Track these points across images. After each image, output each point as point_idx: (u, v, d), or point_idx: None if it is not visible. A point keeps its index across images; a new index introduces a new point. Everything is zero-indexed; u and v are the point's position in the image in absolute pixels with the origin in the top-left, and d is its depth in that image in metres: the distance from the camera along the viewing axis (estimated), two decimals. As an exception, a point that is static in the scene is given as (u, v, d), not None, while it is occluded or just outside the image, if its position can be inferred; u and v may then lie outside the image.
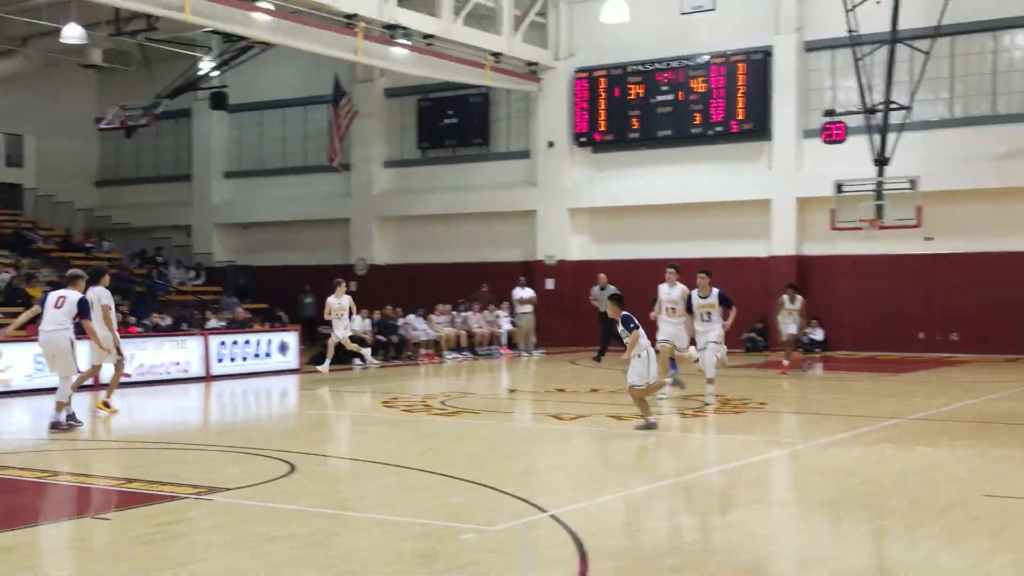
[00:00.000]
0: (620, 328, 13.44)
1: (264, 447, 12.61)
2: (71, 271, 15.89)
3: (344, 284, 23.87)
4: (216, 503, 9.42)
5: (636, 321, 13.43)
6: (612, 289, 25.27)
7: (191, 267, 34.48)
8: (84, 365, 16.34)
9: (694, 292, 17.00)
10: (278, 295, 32.80)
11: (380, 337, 27.72)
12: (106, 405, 16.20)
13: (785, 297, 22.36)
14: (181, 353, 23.46)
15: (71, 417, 14.67)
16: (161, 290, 30.45)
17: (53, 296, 14.88)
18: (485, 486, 9.93)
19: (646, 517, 8.87)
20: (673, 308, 16.73)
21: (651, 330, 15.86)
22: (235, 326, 26.90)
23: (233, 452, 12.40)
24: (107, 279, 16.18)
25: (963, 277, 26.77)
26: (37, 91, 36.70)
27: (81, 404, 16.61)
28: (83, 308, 14.57)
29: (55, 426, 14.28)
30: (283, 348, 25.94)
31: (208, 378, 23.39)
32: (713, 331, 16.60)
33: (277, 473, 10.92)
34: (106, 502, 9.78)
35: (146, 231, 37.40)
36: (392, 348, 28.00)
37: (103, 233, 36.13)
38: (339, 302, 22.77)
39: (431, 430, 14.48)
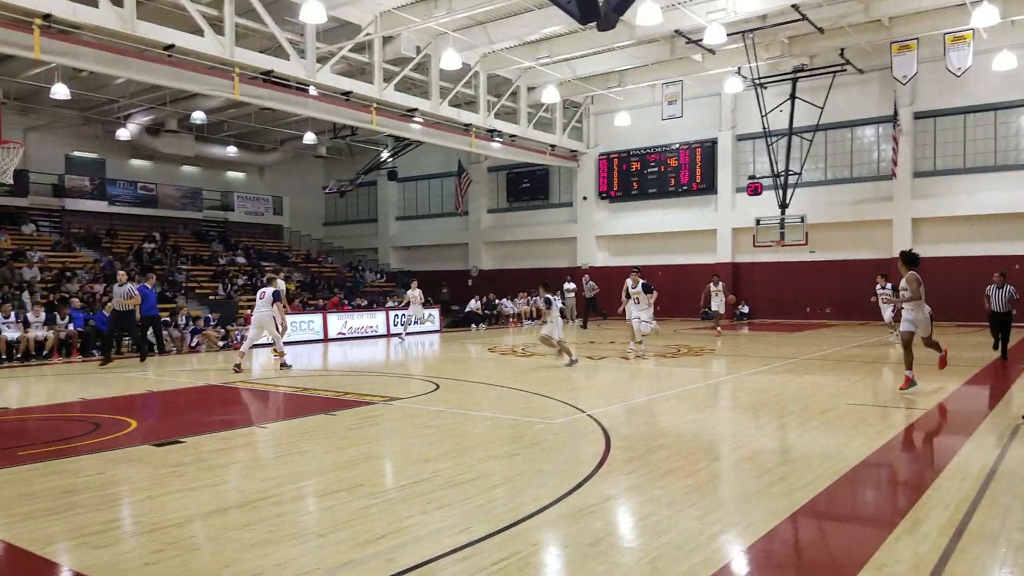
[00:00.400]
0: (542, 303, 14.25)
1: (421, 374, 12.95)
2: (268, 275, 16.00)
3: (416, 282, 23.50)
4: (394, 406, 9.79)
5: (552, 300, 14.31)
6: (592, 286, 26.64)
7: (377, 272, 35.04)
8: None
9: (628, 282, 16.12)
10: (427, 288, 33.22)
11: (486, 311, 28.04)
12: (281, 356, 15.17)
13: (711, 284, 21.32)
14: (372, 321, 24.01)
15: (284, 365, 14.67)
16: (361, 284, 31.02)
17: (260, 292, 14.78)
18: (548, 397, 10.19)
19: (643, 416, 9.07)
20: (637, 298, 15.82)
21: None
22: (403, 305, 27.39)
23: (403, 377, 12.75)
24: (275, 282, 15.25)
25: (833, 273, 26.68)
26: (290, 172, 37.51)
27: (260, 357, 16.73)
28: (276, 296, 14.41)
29: (284, 366, 14.54)
30: (431, 318, 26.40)
31: (388, 336, 23.89)
32: (643, 310, 15.84)
33: (429, 389, 11.24)
34: (332, 405, 10.00)
35: (351, 251, 38.00)
36: (492, 318, 28.33)
37: (328, 253, 36.85)
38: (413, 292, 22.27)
39: (516, 365, 14.58)
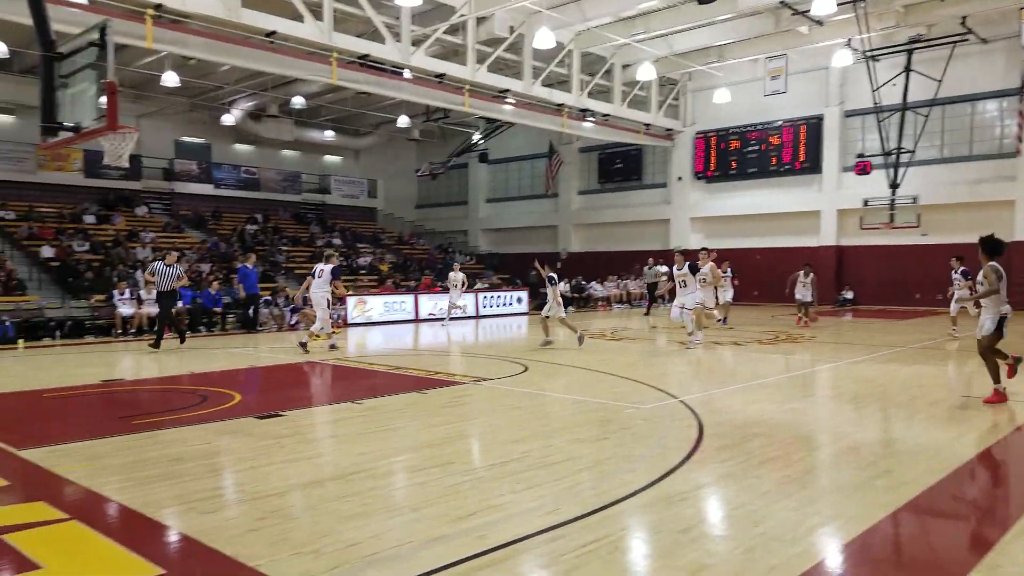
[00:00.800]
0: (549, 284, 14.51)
1: (510, 356, 13.05)
2: (326, 252, 15.41)
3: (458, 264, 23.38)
4: (484, 387, 9.91)
5: (554, 279, 14.92)
6: (662, 267, 25.15)
7: (467, 253, 35.44)
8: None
9: (674, 268, 14.92)
10: (516, 269, 33.46)
11: (574, 294, 27.96)
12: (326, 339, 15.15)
13: (800, 273, 19.32)
14: (462, 302, 24.26)
15: (333, 346, 14.60)
16: (452, 266, 31.44)
17: (317, 269, 14.45)
18: (638, 381, 10.11)
19: (738, 403, 8.88)
20: (684, 281, 14.32)
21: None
22: (492, 287, 27.64)
23: (493, 359, 12.87)
24: (333, 260, 14.81)
25: (946, 258, 25.04)
26: (384, 154, 38.26)
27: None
28: (335, 274, 14.24)
29: (332, 347, 14.39)
30: (519, 300, 26.53)
31: (477, 316, 24.14)
32: (689, 295, 14.30)
33: (517, 371, 11.33)
34: (424, 384, 10.19)
35: (442, 233, 38.55)
36: (581, 301, 28.23)
37: (420, 235, 37.50)
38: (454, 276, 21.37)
39: (605, 348, 14.50)
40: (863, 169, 25.34)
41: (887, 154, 24.70)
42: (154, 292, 15.33)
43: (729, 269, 18.90)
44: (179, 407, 8.74)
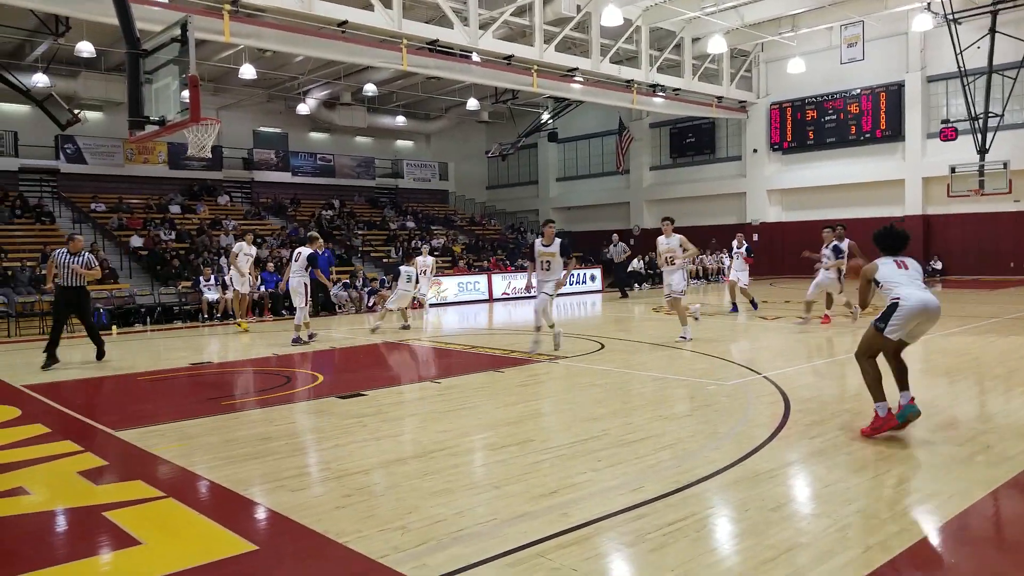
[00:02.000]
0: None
1: (586, 333, 12.94)
2: (310, 233, 14.32)
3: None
4: (560, 365, 9.86)
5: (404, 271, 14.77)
6: (623, 248, 23.38)
7: (538, 233, 35.30)
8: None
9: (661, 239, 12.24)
10: (588, 247, 33.24)
11: (648, 271, 27.58)
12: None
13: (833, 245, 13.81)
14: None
15: (311, 336, 13.07)
16: (523, 246, 31.37)
17: (295, 253, 13.26)
18: (720, 358, 9.89)
19: (826, 379, 8.60)
20: (670, 257, 11.84)
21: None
22: (564, 265, 27.47)
23: (569, 336, 12.76)
24: (315, 244, 13.35)
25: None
26: (455, 137, 38.42)
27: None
28: (311, 261, 12.76)
29: (296, 342, 12.66)
30: (593, 278, 26.33)
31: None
32: (675, 272, 11.83)
33: (594, 348, 11.24)
34: (500, 363, 10.19)
35: (512, 213, 38.52)
36: (655, 278, 27.79)
37: (491, 216, 37.57)
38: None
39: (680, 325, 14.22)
40: (948, 136, 24.25)
41: (974, 119, 23.50)
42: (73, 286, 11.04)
43: (745, 243, 16.26)
44: (265, 388, 8.94)
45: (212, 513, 4.47)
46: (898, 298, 5.57)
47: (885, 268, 5.79)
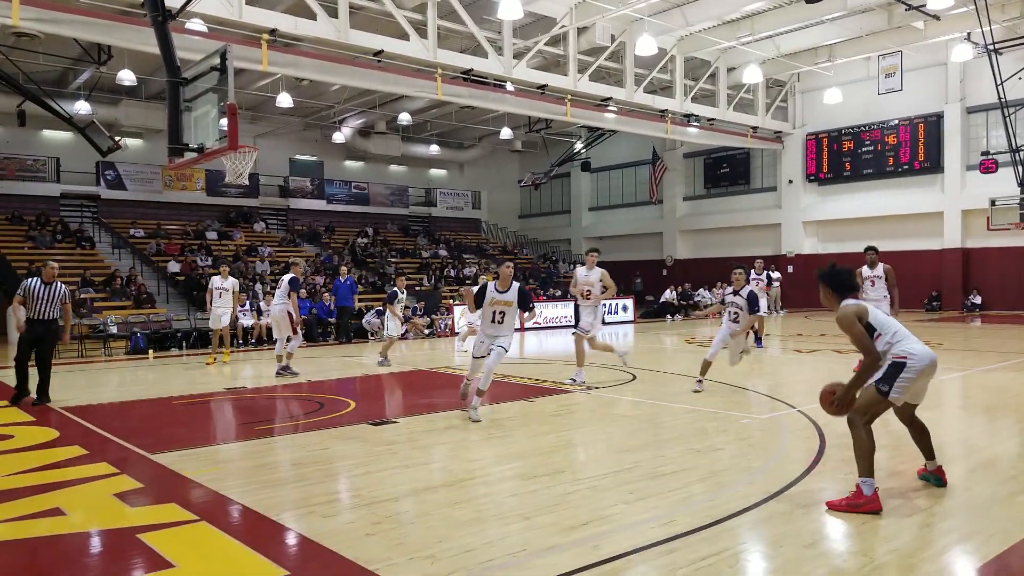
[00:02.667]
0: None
1: (617, 364, 12.83)
2: (292, 260, 14.32)
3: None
4: (592, 395, 9.81)
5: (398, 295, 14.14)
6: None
7: (570, 263, 35.38)
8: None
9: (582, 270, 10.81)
10: (620, 277, 33.12)
11: (681, 302, 27.43)
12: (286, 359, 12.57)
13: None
14: (565, 311, 24.21)
15: (285, 368, 12.34)
16: (555, 275, 31.46)
17: (279, 280, 13.05)
18: (753, 391, 9.80)
19: (858, 412, 8.45)
20: (585, 291, 10.55)
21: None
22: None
23: (601, 367, 12.71)
24: (296, 269, 13.05)
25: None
26: (488, 166, 38.78)
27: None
28: (293, 285, 12.43)
29: (281, 372, 12.28)
30: (625, 308, 26.25)
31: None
32: (590, 311, 10.66)
33: (626, 379, 11.16)
34: (531, 392, 10.21)
35: (545, 243, 38.64)
36: (686, 309, 27.65)
37: (523, 245, 37.72)
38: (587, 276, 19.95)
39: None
40: (988, 168, 23.94)
41: (1015, 151, 23.15)
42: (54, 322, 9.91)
43: (765, 272, 15.66)
44: (298, 414, 9.03)
45: (244, 537, 4.53)
46: (906, 355, 4.87)
47: (877, 313, 5.08)
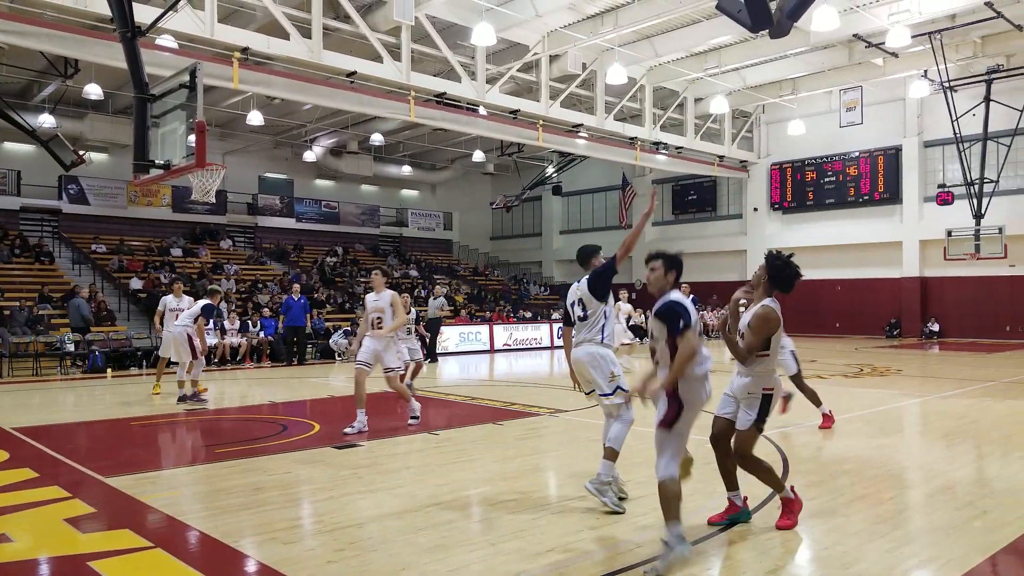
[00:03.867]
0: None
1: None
2: (210, 287, 13.36)
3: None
4: (561, 419, 9.77)
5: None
6: (441, 303, 19.52)
7: (541, 285, 35.45)
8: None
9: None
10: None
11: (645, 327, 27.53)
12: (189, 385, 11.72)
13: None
14: (537, 333, 24.20)
15: (195, 395, 11.56)
16: (526, 297, 31.46)
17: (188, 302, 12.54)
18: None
19: (824, 439, 8.51)
20: (378, 320, 9.07)
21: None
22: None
23: (568, 390, 12.64)
24: (214, 297, 12.44)
25: (1040, 291, 24.18)
26: (460, 188, 38.75)
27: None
28: (207, 312, 11.78)
29: (184, 399, 11.41)
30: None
31: (552, 347, 24.00)
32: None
33: (594, 403, 11.06)
34: (499, 415, 10.12)
35: (516, 264, 38.69)
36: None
37: (494, 266, 37.70)
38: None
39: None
40: (945, 200, 24.50)
41: (970, 184, 23.77)
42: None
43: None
44: (261, 436, 8.86)
45: (201, 565, 4.39)
46: (772, 388, 4.88)
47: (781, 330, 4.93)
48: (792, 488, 5.07)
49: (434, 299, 19.80)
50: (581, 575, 4.14)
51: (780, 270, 5.08)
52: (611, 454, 5.55)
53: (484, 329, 23.44)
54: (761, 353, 4.89)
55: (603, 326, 5.85)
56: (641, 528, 5.02)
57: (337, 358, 19.50)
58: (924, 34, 20.98)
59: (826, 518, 5.25)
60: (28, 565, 4.47)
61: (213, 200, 10.79)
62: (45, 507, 5.55)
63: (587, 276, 5.99)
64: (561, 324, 6.07)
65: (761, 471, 5.01)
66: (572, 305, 5.90)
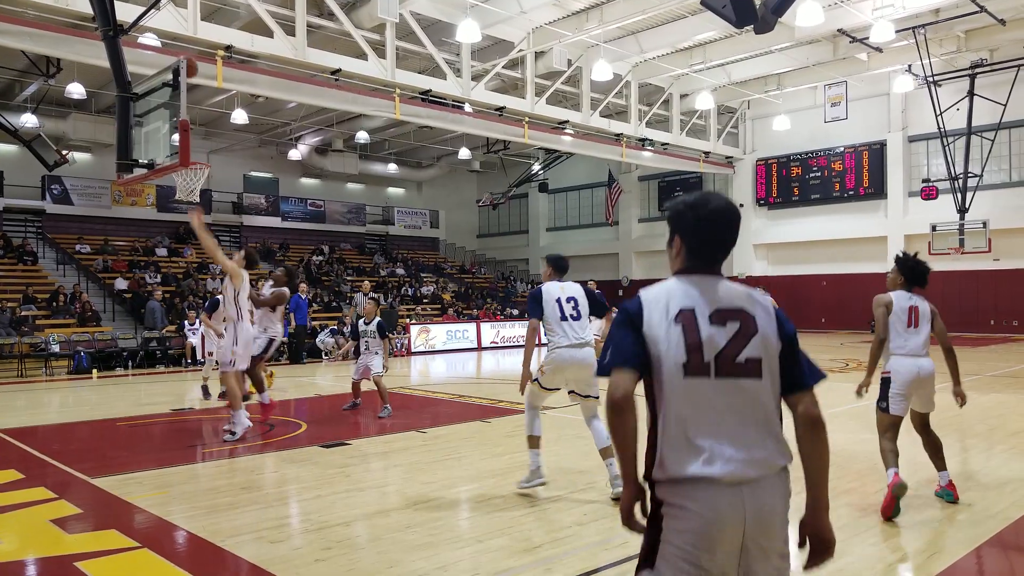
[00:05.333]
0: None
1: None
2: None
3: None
4: (548, 416, 9.74)
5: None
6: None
7: (528, 282, 35.46)
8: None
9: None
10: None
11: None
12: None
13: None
14: (524, 330, 24.17)
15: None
16: (512, 294, 31.47)
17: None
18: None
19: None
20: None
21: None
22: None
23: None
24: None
25: (1021, 283, 24.40)
26: (446, 186, 38.75)
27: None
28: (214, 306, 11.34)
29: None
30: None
31: (539, 345, 24.01)
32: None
33: (574, 402, 11.14)
34: (487, 413, 10.15)
35: (503, 262, 38.72)
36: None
37: (481, 264, 37.69)
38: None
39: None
40: (929, 194, 24.69)
41: (954, 178, 23.95)
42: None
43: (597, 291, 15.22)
44: (246, 436, 8.82)
45: (188, 565, 4.38)
46: (889, 371, 5.91)
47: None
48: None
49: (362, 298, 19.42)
50: (569, 571, 4.15)
51: (912, 268, 5.94)
52: (610, 451, 5.67)
53: (471, 327, 23.44)
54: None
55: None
56: (629, 523, 5.04)
57: (324, 357, 19.44)
58: (908, 28, 21.10)
59: (812, 511, 5.28)
60: (15, 566, 4.44)
61: (197, 200, 10.73)
62: (31, 508, 5.52)
63: (579, 284, 6.07)
64: (531, 318, 5.94)
65: (883, 451, 5.63)
66: (562, 301, 5.82)
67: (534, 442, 6.03)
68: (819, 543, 2.32)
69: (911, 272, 5.87)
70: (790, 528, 2.24)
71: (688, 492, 2.09)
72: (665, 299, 2.32)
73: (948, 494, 5.55)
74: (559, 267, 6.09)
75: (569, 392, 6.17)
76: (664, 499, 2.14)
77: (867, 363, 6.00)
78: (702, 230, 2.50)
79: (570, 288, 5.99)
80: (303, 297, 18.93)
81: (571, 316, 5.88)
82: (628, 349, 2.22)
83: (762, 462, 2.15)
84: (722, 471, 2.07)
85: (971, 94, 23.43)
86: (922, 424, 5.95)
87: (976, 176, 23.88)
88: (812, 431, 2.30)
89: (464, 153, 31.05)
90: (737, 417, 2.16)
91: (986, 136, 23.81)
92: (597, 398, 6.00)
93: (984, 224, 24.04)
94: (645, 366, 2.19)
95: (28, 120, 21.63)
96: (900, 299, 5.84)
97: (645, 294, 2.39)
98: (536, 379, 6.08)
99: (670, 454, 2.12)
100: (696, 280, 2.38)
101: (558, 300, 5.87)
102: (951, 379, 6.05)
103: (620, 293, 33.87)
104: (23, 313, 18.79)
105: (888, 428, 5.70)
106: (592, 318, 6.14)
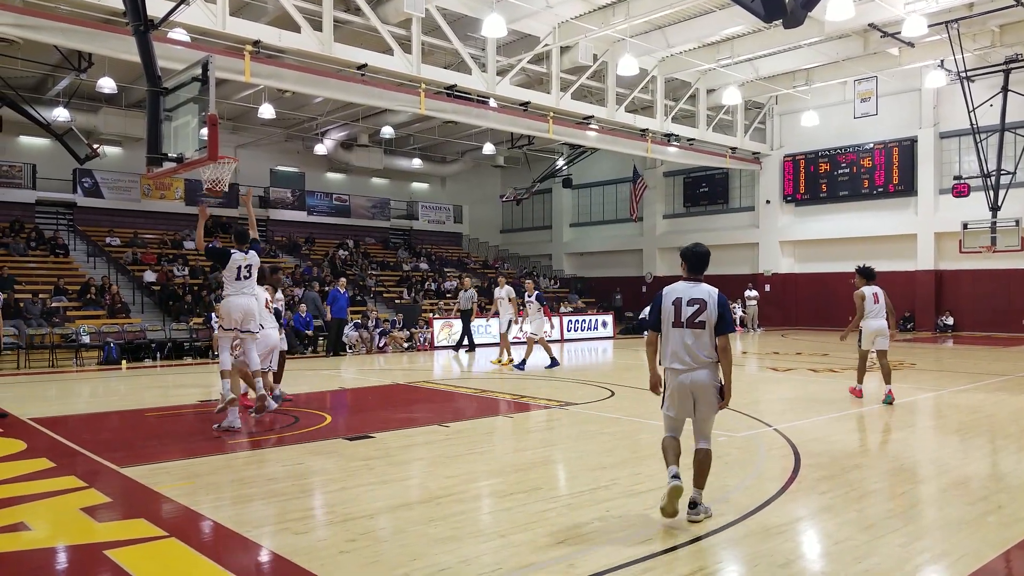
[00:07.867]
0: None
1: (596, 381, 12.85)
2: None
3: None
4: (570, 411, 9.77)
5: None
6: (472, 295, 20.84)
7: (552, 277, 35.44)
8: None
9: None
10: (601, 293, 33.39)
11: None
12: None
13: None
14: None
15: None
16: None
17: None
18: (731, 409, 9.78)
19: (837, 432, 8.47)
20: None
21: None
22: (577, 311, 27.48)
23: (578, 383, 12.70)
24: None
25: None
26: (470, 181, 38.83)
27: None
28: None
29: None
30: (604, 324, 26.27)
31: (562, 340, 23.99)
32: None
33: (604, 396, 11.14)
34: (510, 408, 10.19)
35: (527, 257, 38.72)
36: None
37: (504, 259, 37.73)
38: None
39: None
40: (961, 192, 24.30)
41: (986, 175, 23.53)
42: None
43: (536, 291, 16.89)
44: (272, 428, 8.92)
45: (214, 554, 4.44)
46: None
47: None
48: None
49: (464, 292, 21.08)
50: (591, 567, 4.15)
51: (867, 272, 10.65)
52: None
53: (494, 321, 23.44)
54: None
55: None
56: (656, 519, 5.03)
57: (348, 350, 19.58)
58: (941, 23, 20.76)
59: (838, 512, 5.25)
60: (46, 553, 4.54)
61: (226, 190, 10.84)
62: (62, 496, 5.62)
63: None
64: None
65: (859, 370, 10.99)
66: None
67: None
68: (726, 396, 5.07)
69: (867, 273, 10.59)
70: (714, 393, 5.01)
71: (669, 374, 5.07)
72: (670, 293, 5.11)
73: (888, 399, 9.96)
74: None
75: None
76: (663, 376, 5.10)
77: (852, 323, 10.61)
78: (691, 259, 5.18)
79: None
80: (341, 291, 19.17)
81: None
82: (653, 320, 5.16)
83: (701, 361, 4.98)
84: (680, 366, 5.02)
85: (1005, 90, 23.01)
86: (880, 354, 10.50)
87: (1009, 173, 23.45)
88: (723, 352, 4.98)
89: (488, 148, 31.09)
90: (694, 345, 4.98)
91: (1020, 133, 23.43)
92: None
93: (1017, 222, 23.61)
94: (658, 325, 5.12)
95: (60, 114, 21.99)
96: (868, 290, 10.47)
97: (664, 290, 5.16)
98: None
99: (664, 359, 5.09)
100: (687, 283, 5.13)
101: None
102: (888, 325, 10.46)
103: (644, 290, 33.75)
104: (54, 304, 19.09)
105: (863, 358, 10.86)
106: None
